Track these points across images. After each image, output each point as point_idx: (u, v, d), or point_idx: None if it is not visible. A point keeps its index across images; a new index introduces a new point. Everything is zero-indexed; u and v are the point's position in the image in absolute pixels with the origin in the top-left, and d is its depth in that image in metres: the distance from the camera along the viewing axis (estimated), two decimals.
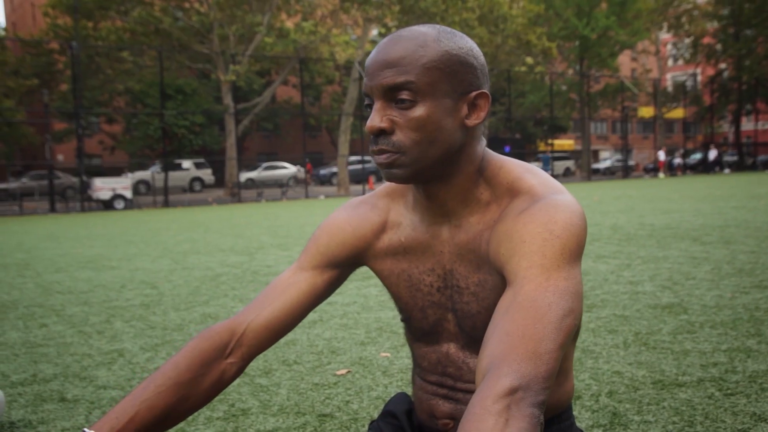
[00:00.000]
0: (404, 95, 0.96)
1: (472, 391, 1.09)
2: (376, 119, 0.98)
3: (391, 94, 0.97)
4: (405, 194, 1.14)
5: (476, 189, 1.04)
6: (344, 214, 1.18)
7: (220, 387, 1.11)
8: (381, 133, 0.98)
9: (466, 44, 1.00)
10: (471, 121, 1.00)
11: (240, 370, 1.13)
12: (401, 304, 1.16)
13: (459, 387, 1.12)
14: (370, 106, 1.01)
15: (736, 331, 3.30)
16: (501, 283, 1.01)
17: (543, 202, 0.96)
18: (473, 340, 1.09)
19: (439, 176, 1.02)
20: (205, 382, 1.09)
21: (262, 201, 24.84)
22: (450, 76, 0.97)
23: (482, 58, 1.03)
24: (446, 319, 1.11)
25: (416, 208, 1.11)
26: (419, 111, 0.96)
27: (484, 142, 1.07)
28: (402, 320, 1.19)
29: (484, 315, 1.06)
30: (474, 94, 1.00)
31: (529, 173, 1.04)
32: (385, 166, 1.00)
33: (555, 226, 0.92)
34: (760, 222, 8.46)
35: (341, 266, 1.17)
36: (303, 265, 1.17)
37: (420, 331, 1.15)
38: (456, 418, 1.12)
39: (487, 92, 1.02)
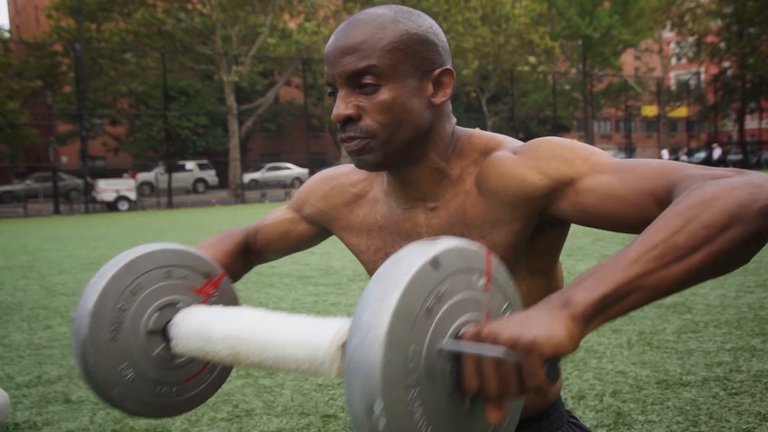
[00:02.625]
0: (367, 80, 0.95)
1: None
2: (341, 107, 0.97)
3: (354, 80, 0.96)
4: (383, 173, 1.13)
5: (447, 166, 1.03)
6: (324, 177, 1.21)
7: (246, 269, 1.29)
8: (348, 120, 0.97)
9: (425, 23, 0.99)
10: (437, 99, 0.99)
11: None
12: None
13: None
14: (334, 94, 1.00)
15: (740, 330, 3.29)
16: (502, 241, 0.99)
17: (532, 140, 0.97)
18: None
19: (410, 159, 1.01)
20: (237, 265, 1.25)
21: (265, 202, 24.86)
22: (411, 56, 0.96)
23: (443, 36, 1.02)
24: None
25: (390, 192, 1.09)
26: (384, 94, 0.95)
27: (453, 120, 1.05)
28: None
29: None
30: (438, 71, 0.98)
31: (500, 135, 1.05)
32: (356, 152, 0.98)
33: (561, 140, 0.94)
34: None
35: (315, 225, 1.23)
36: (290, 207, 1.27)
37: None
38: None
39: (451, 68, 1.00)
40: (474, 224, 1.01)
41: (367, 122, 0.96)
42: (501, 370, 0.66)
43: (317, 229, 1.23)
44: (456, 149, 1.03)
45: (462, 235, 1.02)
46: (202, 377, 1.01)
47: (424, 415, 0.65)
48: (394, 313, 0.63)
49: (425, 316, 0.66)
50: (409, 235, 1.07)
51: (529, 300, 1.04)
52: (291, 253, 1.30)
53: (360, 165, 1.00)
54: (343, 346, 0.74)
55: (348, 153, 0.99)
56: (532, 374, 0.64)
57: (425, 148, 1.01)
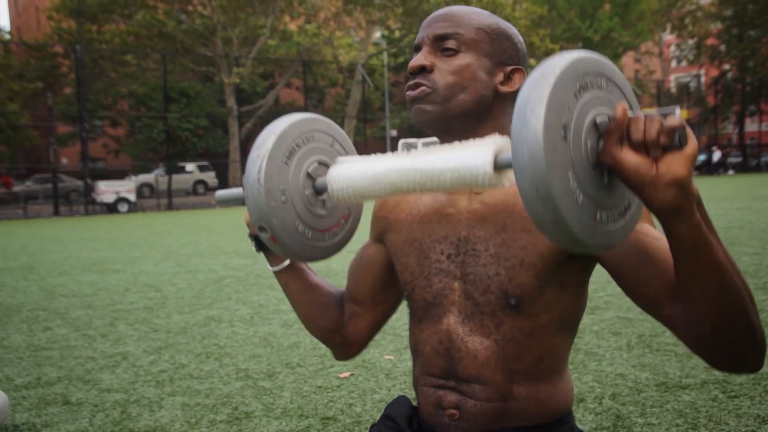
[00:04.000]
0: (450, 44, 1.06)
1: (477, 382, 1.08)
2: (420, 58, 1.06)
3: (439, 43, 1.07)
4: None
5: None
6: None
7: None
8: (421, 70, 1.07)
9: (514, 29, 1.12)
10: (503, 88, 1.08)
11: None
12: (407, 274, 1.16)
13: (462, 376, 1.09)
14: None
15: None
16: (547, 246, 1.01)
17: None
18: (478, 310, 1.07)
19: (464, 132, 1.07)
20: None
21: None
22: (494, 42, 1.08)
23: (524, 47, 1.13)
24: (451, 288, 1.10)
25: None
26: (460, 59, 1.06)
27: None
28: (405, 297, 1.19)
29: (503, 277, 1.05)
30: (511, 67, 1.09)
31: None
32: (417, 99, 1.06)
33: None
34: (764, 224, 8.44)
35: (381, 243, 1.23)
36: (370, 236, 1.28)
37: (423, 303, 1.13)
38: (462, 409, 1.09)
39: (524, 70, 1.10)
40: (520, 217, 1.05)
41: (436, 76, 1.06)
42: (650, 119, 0.78)
43: (384, 248, 1.23)
44: None
45: (503, 226, 1.06)
46: (336, 232, 1.14)
47: (577, 186, 0.77)
48: (547, 105, 0.73)
49: (574, 97, 0.78)
50: (448, 221, 1.11)
51: (553, 313, 1.06)
52: (382, 294, 1.26)
53: (416, 115, 1.08)
54: (497, 157, 0.88)
55: (408, 101, 1.08)
56: (674, 119, 0.76)
57: (480, 129, 1.08)
